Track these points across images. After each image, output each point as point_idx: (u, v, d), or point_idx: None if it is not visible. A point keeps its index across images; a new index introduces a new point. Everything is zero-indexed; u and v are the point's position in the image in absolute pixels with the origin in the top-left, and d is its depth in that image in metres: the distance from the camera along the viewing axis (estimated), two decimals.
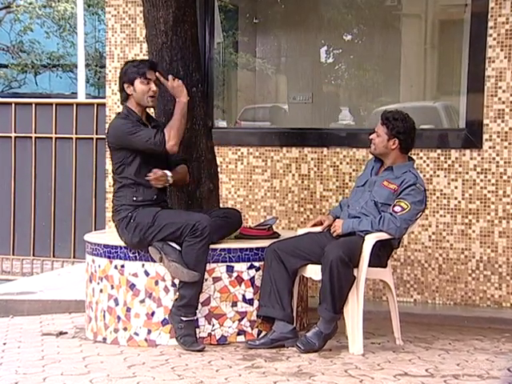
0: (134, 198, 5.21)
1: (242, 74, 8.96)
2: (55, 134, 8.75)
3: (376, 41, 8.51)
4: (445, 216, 6.37)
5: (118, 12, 7.19)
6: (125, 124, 5.21)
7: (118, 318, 5.30)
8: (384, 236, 5.10)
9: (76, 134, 8.70)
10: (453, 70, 7.66)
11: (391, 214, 5.08)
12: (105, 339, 5.37)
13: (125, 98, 5.36)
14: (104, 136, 7.95)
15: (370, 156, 6.38)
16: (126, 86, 5.30)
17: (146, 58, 5.55)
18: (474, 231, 6.31)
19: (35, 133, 8.82)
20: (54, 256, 8.78)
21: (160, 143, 5.11)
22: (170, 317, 5.14)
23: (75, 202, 8.67)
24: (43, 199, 8.82)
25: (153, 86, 5.28)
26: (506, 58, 6.17)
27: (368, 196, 5.27)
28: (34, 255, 8.87)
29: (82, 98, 18.50)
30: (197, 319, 5.17)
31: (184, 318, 5.06)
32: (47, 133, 8.77)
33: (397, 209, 5.09)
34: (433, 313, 6.16)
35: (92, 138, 8.63)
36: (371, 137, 5.31)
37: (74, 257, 8.67)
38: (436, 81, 8.41)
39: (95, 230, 8.27)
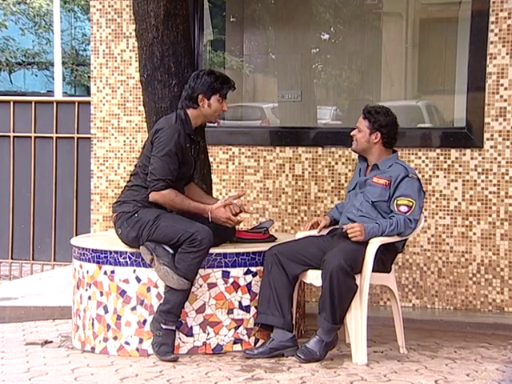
0: (148, 200, 5.02)
1: (227, 72, 8.73)
2: (34, 133, 8.49)
3: (358, 39, 8.33)
4: (444, 218, 6.18)
5: (103, 6, 6.94)
6: (175, 143, 4.92)
7: (108, 326, 5.05)
8: (388, 240, 4.88)
9: (56, 133, 8.44)
10: (434, 68, 7.52)
11: (404, 217, 4.86)
12: (93, 349, 5.12)
13: (189, 106, 5.05)
14: (86, 135, 7.81)
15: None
16: (200, 97, 5.01)
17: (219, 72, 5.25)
18: (474, 233, 6.12)
19: (13, 132, 8.56)
20: (33, 259, 8.53)
21: (153, 186, 4.93)
22: (151, 323, 4.92)
23: (55, 203, 8.42)
24: (22, 200, 8.55)
25: (225, 106, 5.09)
26: (507, 54, 5.98)
27: (362, 197, 5.07)
28: (12, 258, 8.61)
29: (58, 96, 18.16)
30: (191, 327, 4.96)
31: (164, 326, 4.84)
32: (26, 132, 8.51)
33: (403, 209, 4.89)
34: (434, 318, 5.95)
35: (73, 138, 8.36)
36: (352, 133, 5.14)
37: (54, 260, 8.43)
38: (417, 80, 8.24)
39: (76, 232, 8.08)
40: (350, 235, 4.83)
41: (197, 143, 5.23)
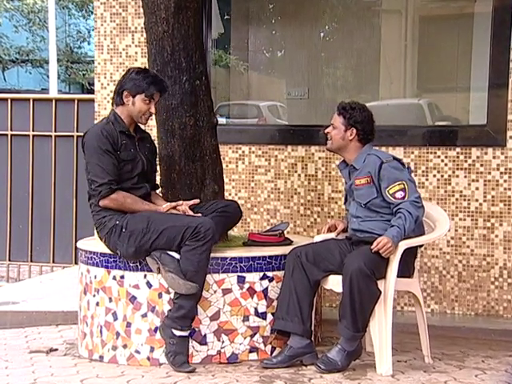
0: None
1: (231, 70, 8.54)
2: (33, 131, 8.28)
3: (357, 36, 8.17)
4: (465, 219, 5.95)
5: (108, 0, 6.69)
6: (101, 140, 4.72)
7: (117, 334, 4.82)
8: (415, 242, 4.66)
9: (55, 131, 8.22)
10: (434, 66, 7.38)
11: (407, 202, 4.61)
12: (102, 357, 4.88)
13: (118, 103, 4.88)
14: None
15: None
16: (125, 93, 4.84)
17: (144, 64, 5.03)
18: (496, 236, 5.90)
19: (11, 130, 8.34)
20: (31, 260, 8.32)
21: (99, 193, 4.70)
22: (161, 329, 4.68)
23: (54, 203, 8.21)
24: (20, 200, 8.33)
25: (152, 108, 4.87)
26: None
27: (355, 204, 4.87)
28: (10, 259, 8.39)
29: (53, 94, 17.95)
30: (205, 335, 4.72)
31: (177, 333, 4.59)
32: (24, 130, 8.29)
33: (399, 195, 4.65)
34: (456, 325, 5.70)
35: (72, 136, 8.14)
36: (327, 130, 4.95)
37: (52, 261, 8.22)
38: (416, 78, 8.07)
39: (76, 233, 7.88)
40: (383, 254, 4.54)
41: (141, 139, 4.96)
